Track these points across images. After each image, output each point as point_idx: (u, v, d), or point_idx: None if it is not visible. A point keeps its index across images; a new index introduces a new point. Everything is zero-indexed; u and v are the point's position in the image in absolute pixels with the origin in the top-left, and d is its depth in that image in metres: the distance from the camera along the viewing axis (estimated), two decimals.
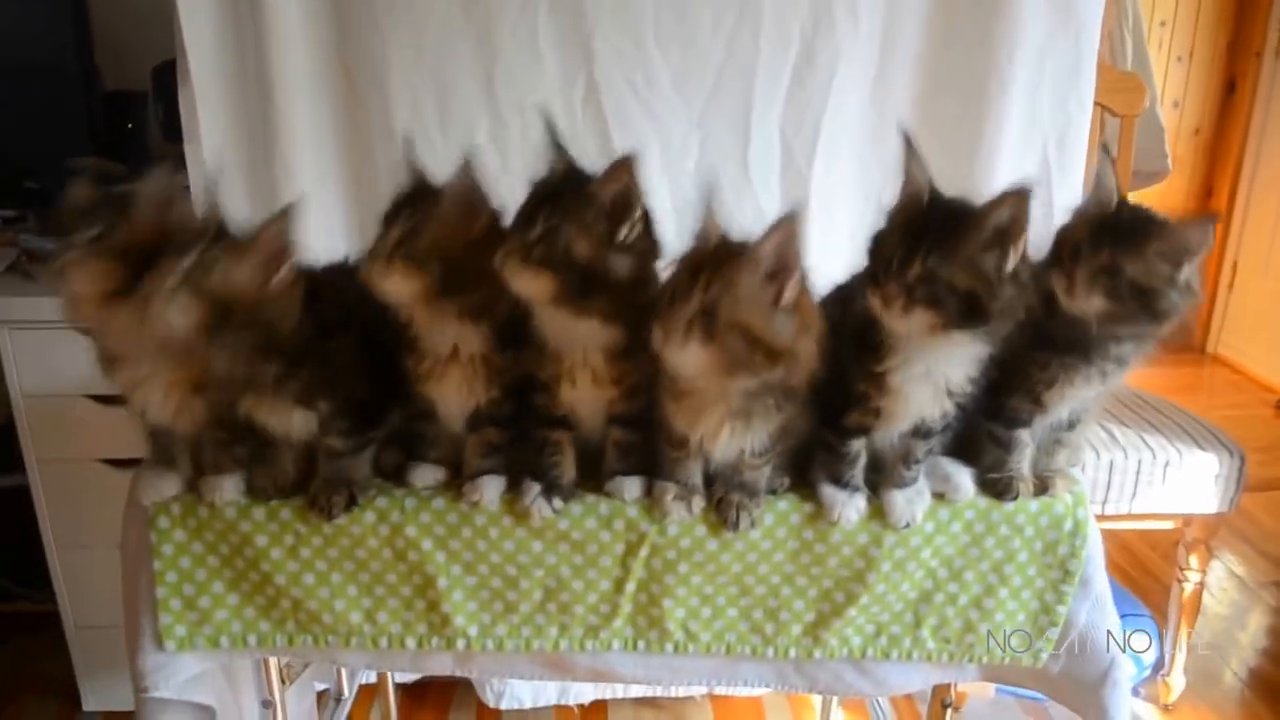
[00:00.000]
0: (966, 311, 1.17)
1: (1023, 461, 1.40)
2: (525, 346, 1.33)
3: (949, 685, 1.56)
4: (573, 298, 1.22)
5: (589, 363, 1.31)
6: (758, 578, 1.41)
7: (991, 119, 2.01)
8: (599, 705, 2.48)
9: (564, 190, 1.22)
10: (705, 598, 1.42)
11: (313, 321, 1.29)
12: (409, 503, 1.39)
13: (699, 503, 1.37)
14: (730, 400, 1.25)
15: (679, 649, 1.44)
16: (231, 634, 1.44)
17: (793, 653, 1.45)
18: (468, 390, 1.35)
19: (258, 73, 1.93)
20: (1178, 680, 2.47)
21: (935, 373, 1.26)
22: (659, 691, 2.47)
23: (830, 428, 1.35)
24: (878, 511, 1.37)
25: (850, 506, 1.35)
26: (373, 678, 2.37)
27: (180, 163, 1.92)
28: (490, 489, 1.38)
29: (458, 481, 1.41)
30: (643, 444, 1.39)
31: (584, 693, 2.43)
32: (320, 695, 2.25)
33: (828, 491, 1.36)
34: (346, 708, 2.24)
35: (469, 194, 1.26)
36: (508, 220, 1.25)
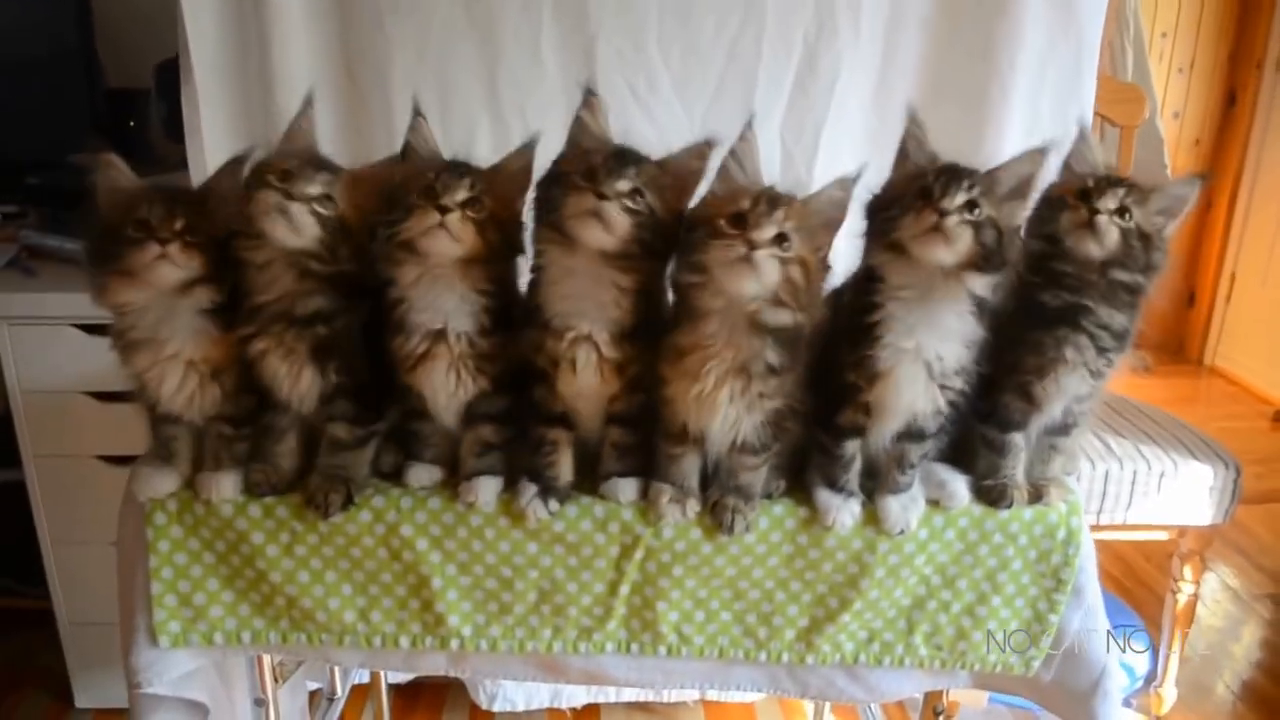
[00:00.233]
0: (987, 253, 1.22)
1: (1017, 468, 1.40)
2: (514, 332, 1.35)
3: (941, 692, 1.56)
4: (636, 256, 1.26)
5: (593, 340, 1.31)
6: (752, 582, 1.41)
7: (992, 126, 2.02)
8: (591, 709, 2.48)
9: (641, 157, 1.28)
10: (699, 601, 1.42)
11: (336, 289, 1.33)
12: (405, 502, 1.39)
13: (694, 506, 1.37)
14: (734, 352, 1.26)
15: (672, 652, 1.45)
16: (226, 631, 1.44)
17: (786, 657, 1.45)
18: (455, 379, 1.35)
19: (260, 71, 1.93)
20: (1170, 692, 2.47)
21: (925, 349, 1.27)
22: (652, 696, 2.47)
23: (824, 428, 1.36)
24: (872, 517, 1.38)
25: (845, 511, 1.36)
26: (365, 678, 2.37)
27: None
28: (486, 490, 1.38)
29: (454, 481, 1.41)
30: (640, 445, 1.39)
31: (576, 696, 2.43)
32: (313, 695, 2.25)
33: (823, 496, 1.37)
34: (339, 708, 2.24)
35: (525, 172, 1.33)
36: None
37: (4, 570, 2.63)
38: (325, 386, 1.35)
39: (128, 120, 2.75)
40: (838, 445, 1.35)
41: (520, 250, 1.35)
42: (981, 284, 1.25)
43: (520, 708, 2.41)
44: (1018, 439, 1.40)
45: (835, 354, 1.32)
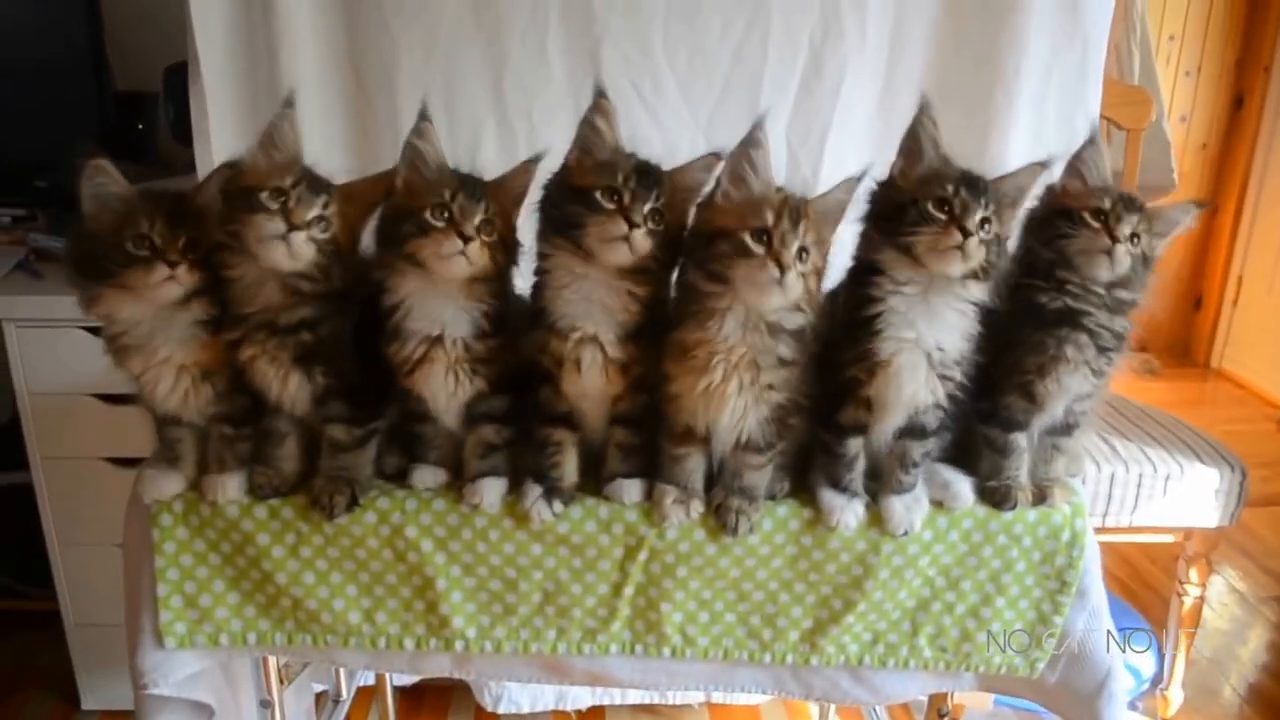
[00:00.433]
0: (990, 265, 1.25)
1: (1020, 469, 1.40)
2: (510, 334, 1.36)
3: (946, 695, 1.56)
4: (650, 270, 1.29)
5: (599, 341, 1.31)
6: (756, 583, 1.41)
7: (997, 131, 2.02)
8: (596, 711, 2.48)
9: (659, 174, 1.29)
10: (703, 603, 1.43)
11: (323, 300, 1.33)
12: (410, 504, 1.39)
13: (698, 507, 1.37)
14: (745, 349, 1.27)
15: (676, 654, 1.45)
16: (231, 632, 1.45)
17: (790, 659, 1.45)
18: (454, 381, 1.36)
19: (267, 74, 1.94)
20: (1176, 694, 2.47)
21: (925, 340, 1.28)
22: (656, 698, 2.47)
23: (826, 427, 1.36)
24: (876, 519, 1.38)
25: (849, 512, 1.36)
26: (371, 680, 2.37)
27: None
28: (491, 492, 1.38)
29: (459, 483, 1.41)
30: (644, 447, 1.39)
31: (581, 698, 2.43)
32: (319, 697, 2.26)
33: (827, 496, 1.37)
34: (344, 710, 2.24)
35: (526, 187, 1.34)
36: None
37: (10, 571, 2.64)
38: (315, 390, 1.36)
39: (136, 123, 2.76)
40: (840, 444, 1.36)
41: (516, 263, 1.36)
42: (979, 290, 1.28)
43: (525, 710, 2.42)
44: (1020, 439, 1.40)
45: (834, 351, 1.33)
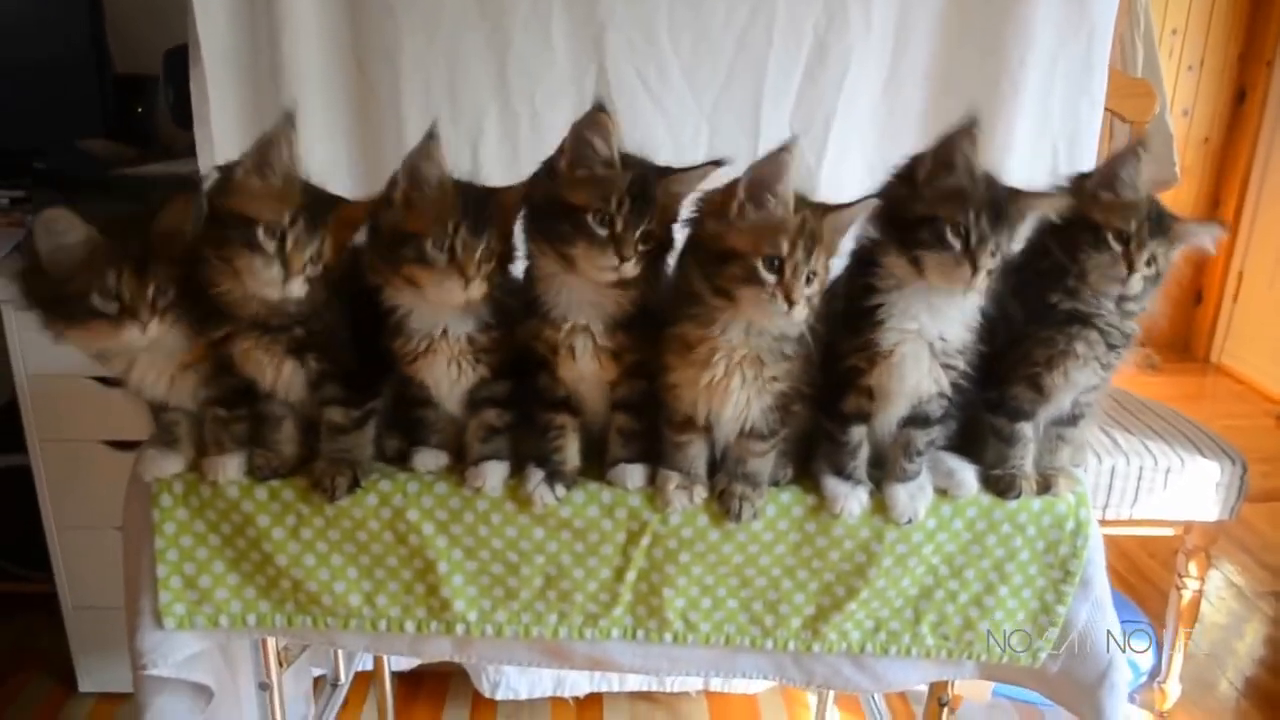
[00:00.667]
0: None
1: (1025, 458, 1.40)
2: (512, 325, 1.35)
3: (946, 683, 1.56)
4: (639, 277, 1.27)
5: (590, 331, 1.31)
6: (758, 569, 1.41)
7: (1002, 120, 2.01)
8: (594, 698, 2.48)
9: (650, 189, 1.26)
10: (705, 588, 1.42)
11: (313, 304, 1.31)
12: (411, 486, 1.39)
13: (701, 492, 1.37)
14: (748, 349, 1.27)
15: (678, 639, 1.44)
16: (231, 613, 1.44)
17: (792, 645, 1.45)
18: (457, 369, 1.36)
19: (269, 57, 1.93)
20: (1173, 688, 2.47)
21: (928, 330, 1.28)
22: (654, 686, 2.47)
23: (829, 415, 1.36)
24: (880, 506, 1.37)
25: (853, 499, 1.36)
26: (369, 665, 2.37)
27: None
28: (493, 475, 1.38)
29: (460, 466, 1.41)
30: (646, 432, 1.39)
31: (579, 685, 2.43)
32: (317, 681, 2.26)
33: (830, 484, 1.37)
34: (342, 694, 2.24)
35: (521, 202, 1.31)
36: None
37: (8, 554, 2.63)
38: (309, 375, 1.35)
39: (135, 107, 2.75)
40: (843, 432, 1.35)
41: (513, 260, 1.35)
42: (980, 294, 1.27)
43: (523, 696, 2.42)
44: (1026, 429, 1.39)
45: (836, 340, 1.32)
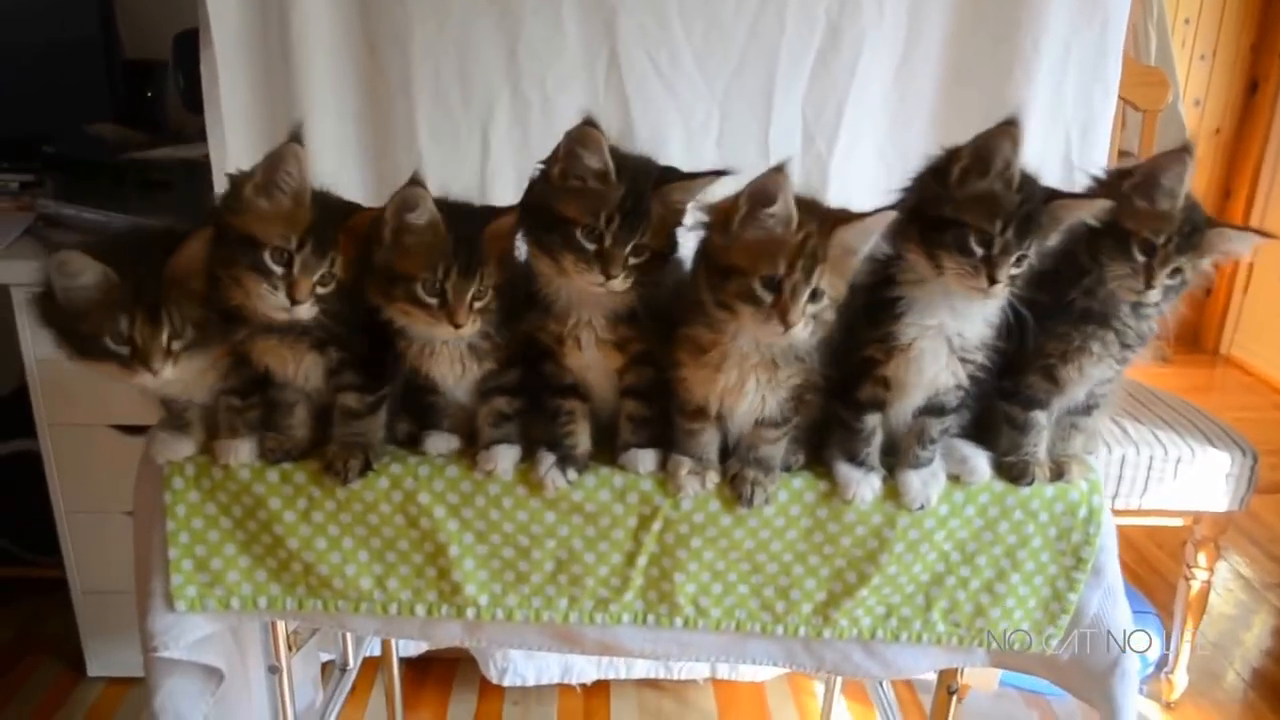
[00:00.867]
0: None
1: (1039, 445, 1.39)
2: (516, 323, 1.35)
3: (955, 671, 1.55)
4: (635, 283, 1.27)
5: (592, 324, 1.32)
6: (770, 555, 1.41)
7: (1015, 107, 1.99)
8: (601, 685, 2.48)
9: (644, 203, 1.24)
10: (717, 573, 1.42)
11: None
12: (423, 470, 1.39)
13: (713, 477, 1.37)
14: (760, 356, 1.27)
15: (689, 624, 1.44)
16: (242, 596, 1.44)
17: (802, 631, 1.45)
18: (461, 367, 1.36)
19: (280, 41, 1.92)
20: (1181, 678, 2.47)
21: (947, 326, 1.27)
22: (661, 673, 2.47)
23: (843, 403, 1.35)
24: (892, 492, 1.37)
25: (865, 485, 1.35)
26: (377, 650, 2.37)
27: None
28: (505, 459, 1.38)
29: (471, 450, 1.41)
30: (657, 417, 1.39)
31: (587, 672, 2.43)
32: (325, 666, 2.26)
33: (843, 470, 1.36)
34: (351, 679, 2.24)
35: (518, 226, 1.30)
36: None
37: (17, 539, 2.64)
38: (329, 364, 1.36)
39: (145, 92, 2.75)
40: (858, 419, 1.35)
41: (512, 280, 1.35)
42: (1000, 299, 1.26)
43: (530, 682, 2.42)
44: (1041, 417, 1.39)
45: (854, 329, 1.31)
